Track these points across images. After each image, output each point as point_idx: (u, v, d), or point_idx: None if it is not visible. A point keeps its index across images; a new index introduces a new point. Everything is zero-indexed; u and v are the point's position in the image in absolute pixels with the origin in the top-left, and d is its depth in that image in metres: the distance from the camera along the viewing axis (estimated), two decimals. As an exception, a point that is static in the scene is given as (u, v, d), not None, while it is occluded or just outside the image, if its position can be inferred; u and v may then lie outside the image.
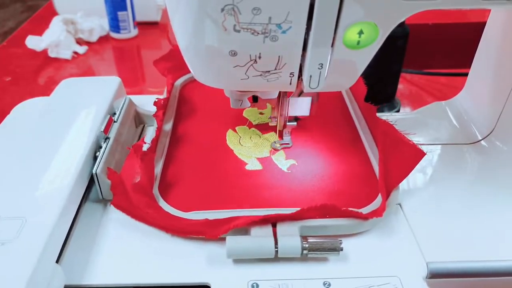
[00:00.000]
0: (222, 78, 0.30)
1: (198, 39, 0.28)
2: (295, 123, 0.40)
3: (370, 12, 0.26)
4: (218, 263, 0.30)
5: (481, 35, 0.42)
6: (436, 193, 0.36)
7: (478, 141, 0.42)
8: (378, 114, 0.40)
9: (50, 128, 0.37)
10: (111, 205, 0.33)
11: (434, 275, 0.30)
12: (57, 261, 0.28)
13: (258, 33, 0.26)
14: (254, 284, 0.29)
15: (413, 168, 0.33)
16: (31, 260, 0.26)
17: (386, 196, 0.33)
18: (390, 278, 0.29)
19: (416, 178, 0.38)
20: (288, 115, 0.38)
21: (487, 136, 0.41)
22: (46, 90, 0.62)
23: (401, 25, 0.50)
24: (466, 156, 0.41)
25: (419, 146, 0.33)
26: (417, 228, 0.33)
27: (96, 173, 0.34)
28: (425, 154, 0.33)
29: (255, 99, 0.38)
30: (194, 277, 0.29)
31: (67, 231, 0.31)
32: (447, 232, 0.33)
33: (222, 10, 0.25)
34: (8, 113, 0.44)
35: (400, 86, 0.61)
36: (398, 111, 0.56)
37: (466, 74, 0.45)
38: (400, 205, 0.35)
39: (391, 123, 0.36)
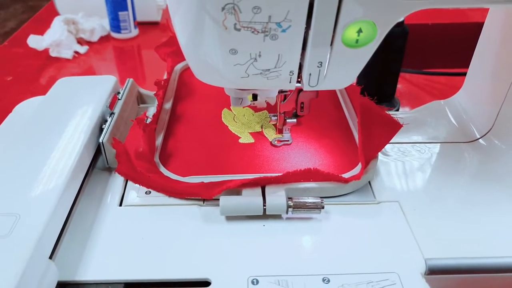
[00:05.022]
0: (222, 77, 0.30)
1: (198, 38, 0.28)
2: (295, 120, 0.40)
3: (369, 11, 0.26)
4: (218, 259, 0.30)
5: (480, 35, 0.43)
6: (434, 191, 0.37)
7: (477, 139, 0.42)
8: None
9: (51, 120, 0.38)
10: (116, 172, 0.36)
11: (432, 271, 0.30)
12: (50, 257, 0.29)
13: (258, 31, 0.27)
14: (254, 280, 0.29)
15: (390, 139, 0.36)
16: (24, 256, 0.26)
17: (365, 163, 0.36)
18: (389, 274, 0.29)
19: (414, 176, 0.38)
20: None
21: (485, 134, 0.42)
22: (47, 89, 0.62)
23: (400, 24, 0.50)
24: (465, 154, 0.41)
25: (396, 118, 0.36)
26: (416, 225, 0.33)
27: (102, 142, 0.37)
28: (402, 126, 0.36)
29: (254, 97, 0.38)
30: (194, 272, 0.29)
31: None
32: (445, 229, 0.33)
33: (223, 9, 0.26)
34: (10, 112, 0.45)
35: (399, 86, 0.62)
36: (397, 110, 0.56)
37: (465, 74, 0.46)
38: (399, 203, 0.35)
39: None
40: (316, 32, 0.27)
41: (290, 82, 0.30)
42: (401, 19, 0.27)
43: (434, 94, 0.62)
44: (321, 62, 0.29)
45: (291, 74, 0.30)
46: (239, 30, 0.27)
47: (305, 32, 0.27)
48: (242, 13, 0.26)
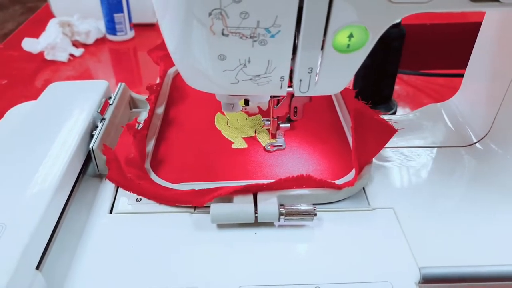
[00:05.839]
0: (212, 83, 0.30)
1: (186, 44, 0.28)
2: (289, 124, 0.40)
3: (360, 16, 0.25)
4: (209, 267, 0.30)
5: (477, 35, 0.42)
6: (429, 197, 0.36)
7: (473, 143, 0.41)
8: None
9: (41, 126, 0.38)
10: (106, 178, 0.36)
11: (426, 280, 0.29)
12: (38, 268, 0.28)
13: (246, 37, 0.26)
14: (244, 289, 0.28)
15: (385, 144, 0.36)
16: (9, 267, 0.25)
17: (359, 169, 0.35)
18: (382, 283, 0.29)
19: (409, 181, 0.38)
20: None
21: (482, 138, 0.41)
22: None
23: (397, 26, 0.49)
24: (461, 159, 0.40)
25: (391, 123, 0.36)
26: (410, 232, 0.32)
27: (92, 149, 0.37)
28: (397, 130, 0.35)
29: (246, 102, 0.37)
30: (184, 281, 0.29)
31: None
32: (440, 236, 0.32)
33: (210, 14, 0.25)
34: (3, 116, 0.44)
35: (396, 87, 0.61)
36: (394, 112, 0.56)
37: (463, 75, 0.45)
38: (394, 209, 0.35)
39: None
40: (305, 37, 0.26)
41: (281, 88, 0.30)
42: (393, 23, 0.26)
43: (433, 95, 0.61)
44: (312, 68, 0.28)
45: (282, 80, 0.29)
46: (227, 35, 0.26)
47: (294, 38, 0.26)
48: (230, 18, 0.25)
